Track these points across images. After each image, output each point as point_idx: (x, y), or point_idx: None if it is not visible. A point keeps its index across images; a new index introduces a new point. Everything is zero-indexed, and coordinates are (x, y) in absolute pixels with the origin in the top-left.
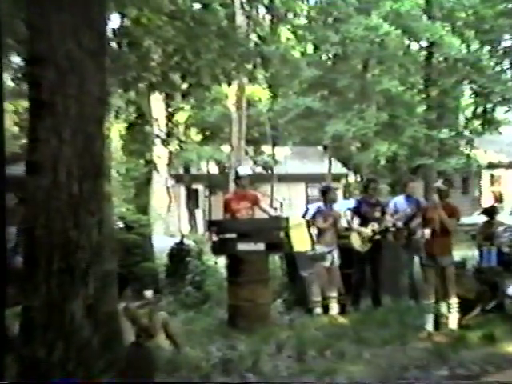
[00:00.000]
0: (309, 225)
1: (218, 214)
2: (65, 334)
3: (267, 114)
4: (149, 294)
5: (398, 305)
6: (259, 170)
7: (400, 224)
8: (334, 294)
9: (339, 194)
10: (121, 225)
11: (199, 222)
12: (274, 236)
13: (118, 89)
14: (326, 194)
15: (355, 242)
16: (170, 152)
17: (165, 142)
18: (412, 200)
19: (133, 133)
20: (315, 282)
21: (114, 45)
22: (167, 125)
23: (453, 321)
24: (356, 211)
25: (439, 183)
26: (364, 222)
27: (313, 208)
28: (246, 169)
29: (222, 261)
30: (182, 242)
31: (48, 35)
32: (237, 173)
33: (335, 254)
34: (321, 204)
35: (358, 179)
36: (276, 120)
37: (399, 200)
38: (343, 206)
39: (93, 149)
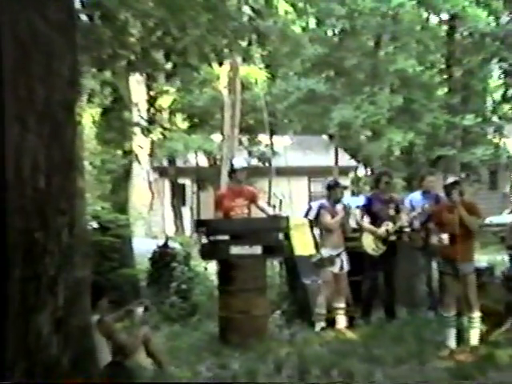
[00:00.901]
0: (312, 225)
1: (208, 213)
2: (30, 352)
3: (264, 98)
4: (139, 311)
5: (414, 317)
6: (255, 162)
7: (417, 224)
8: (342, 304)
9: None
10: (95, 225)
11: (186, 221)
12: (273, 238)
13: (91, 68)
14: (332, 191)
15: (367, 244)
16: (153, 141)
17: (146, 130)
18: (430, 196)
19: (109, 119)
20: (321, 291)
21: (84, 18)
22: (149, 110)
23: (475, 336)
24: (366, 209)
25: (452, 178)
26: (376, 222)
27: (315, 206)
28: (241, 161)
29: (212, 266)
30: (166, 245)
31: (5, 3)
32: (232, 165)
33: (344, 257)
34: (324, 201)
35: (369, 173)
36: (274, 105)
37: (415, 196)
38: (352, 203)
39: (62, 138)
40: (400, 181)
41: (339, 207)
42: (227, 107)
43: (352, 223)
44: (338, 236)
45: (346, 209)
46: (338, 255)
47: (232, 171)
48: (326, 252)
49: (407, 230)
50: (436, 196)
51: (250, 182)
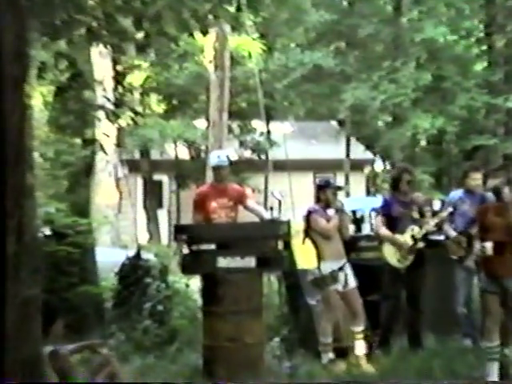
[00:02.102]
0: (307, 231)
1: (190, 217)
2: None
3: (259, 75)
4: (104, 351)
5: (446, 347)
6: (248, 154)
7: (450, 230)
8: (360, 327)
9: (360, 187)
10: (48, 232)
11: (163, 227)
12: (270, 247)
13: (42, 37)
14: (322, 192)
15: (390, 254)
16: (121, 128)
17: (113, 115)
18: (475, 197)
19: (65, 100)
20: (323, 316)
21: None
22: (116, 90)
23: None
24: (385, 212)
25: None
26: (396, 228)
27: (304, 211)
28: (221, 156)
29: (195, 283)
30: (138, 256)
31: None
32: (210, 161)
33: (348, 270)
34: (313, 205)
35: (388, 167)
36: (272, 84)
37: (455, 197)
38: (367, 204)
39: (6, 123)
40: (427, 177)
41: (331, 212)
42: (214, 86)
43: (352, 226)
44: (338, 244)
45: (341, 207)
46: (341, 268)
47: (213, 168)
48: (326, 266)
49: (440, 237)
50: (482, 197)
51: (242, 178)
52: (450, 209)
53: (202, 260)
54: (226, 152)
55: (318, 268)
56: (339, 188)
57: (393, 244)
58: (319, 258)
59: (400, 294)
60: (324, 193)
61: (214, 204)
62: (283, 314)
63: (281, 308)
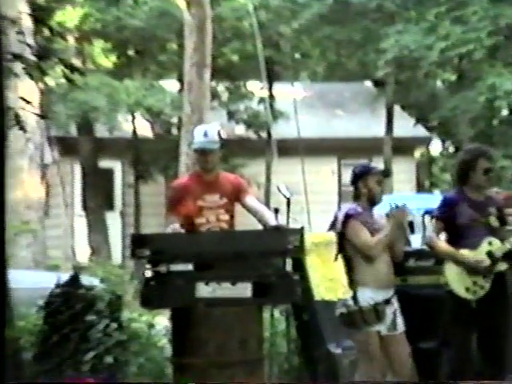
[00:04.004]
0: (342, 244)
1: (156, 222)
2: None
3: (256, 14)
4: None
5: None
6: (241, 131)
7: None
8: None
9: (408, 179)
10: None
11: (114, 237)
12: (273, 268)
13: None
14: (364, 184)
15: (454, 280)
16: (48, 91)
17: (36, 70)
18: None
19: None
20: (360, 368)
21: None
22: (39, 33)
23: None
24: (446, 217)
25: None
26: (464, 240)
27: (342, 213)
28: (211, 130)
29: (162, 321)
30: (75, 282)
31: None
32: (192, 138)
33: (396, 305)
34: (353, 205)
35: (451, 149)
36: (276, 27)
37: None
38: (418, 205)
39: None
40: (510, 164)
41: (379, 215)
42: (189, 30)
43: (416, 241)
44: (386, 264)
45: (402, 211)
46: (388, 301)
47: (195, 151)
48: (365, 296)
49: None
50: None
51: (232, 166)
52: None
53: (173, 287)
54: (215, 127)
55: (354, 298)
56: (386, 173)
57: (458, 264)
58: (355, 283)
59: (470, 339)
60: (365, 183)
61: (199, 203)
62: (293, 368)
63: (290, 358)
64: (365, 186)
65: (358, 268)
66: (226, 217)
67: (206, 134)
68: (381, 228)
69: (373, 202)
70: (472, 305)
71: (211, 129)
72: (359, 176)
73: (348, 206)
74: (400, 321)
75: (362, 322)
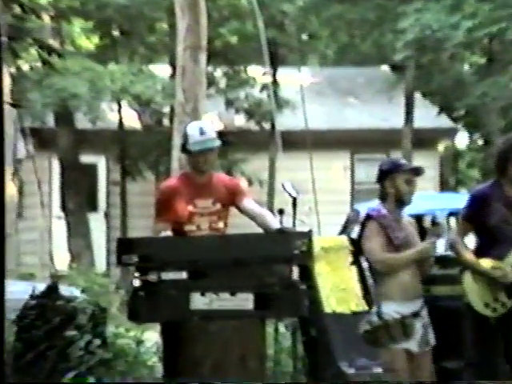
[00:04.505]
0: (357, 251)
1: (145, 224)
2: None
3: None
4: None
5: None
6: (240, 122)
7: None
8: None
9: (431, 175)
10: None
11: (98, 242)
12: (278, 277)
13: None
14: (391, 183)
15: (474, 293)
16: (22, 75)
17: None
18: None
19: None
20: None
21: None
22: (9, 9)
23: None
24: (474, 218)
25: None
26: (494, 248)
27: (363, 213)
28: (208, 128)
29: (152, 337)
30: (52, 293)
31: None
32: (186, 138)
33: (426, 317)
34: (377, 205)
35: (480, 142)
36: (277, 4)
37: None
38: (442, 205)
39: None
40: None
41: (408, 220)
42: (181, 8)
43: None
44: (411, 273)
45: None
46: (417, 314)
47: (187, 152)
48: (390, 309)
49: None
50: None
51: (231, 162)
52: None
53: (165, 298)
54: (209, 122)
55: (378, 312)
56: (418, 171)
57: (479, 275)
58: (377, 295)
59: (496, 360)
60: (392, 182)
61: (190, 208)
62: None
63: (296, 378)
64: (392, 186)
65: (380, 278)
66: (220, 224)
67: (202, 132)
68: (407, 236)
69: (401, 203)
70: (491, 322)
71: (206, 125)
72: (386, 173)
73: (373, 206)
74: (432, 335)
75: (388, 339)
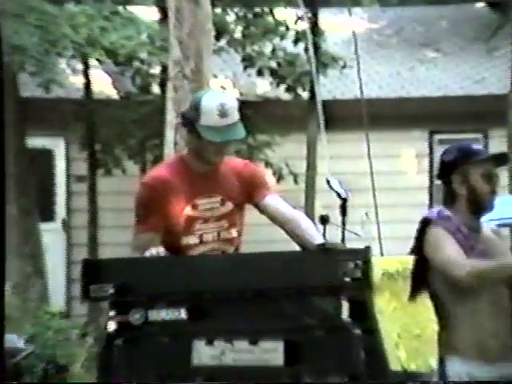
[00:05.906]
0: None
1: (123, 239)
2: None
3: None
4: None
5: None
6: (266, 87)
7: None
8: None
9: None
10: None
11: (54, 265)
12: (319, 317)
13: None
14: (457, 179)
15: None
16: None
17: None
18: None
19: None
20: None
21: None
22: None
23: None
24: None
25: None
26: None
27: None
28: (230, 103)
29: None
30: None
31: None
32: (197, 113)
33: None
34: (443, 209)
35: None
36: None
37: None
38: None
39: None
40: None
41: (489, 232)
42: None
43: None
44: (499, 313)
45: None
46: None
47: (194, 131)
48: (454, 369)
49: None
50: None
51: (251, 147)
52: None
53: (154, 350)
54: (235, 100)
55: (440, 371)
56: (502, 160)
57: None
58: (443, 343)
59: None
60: (463, 178)
61: (188, 210)
62: None
63: None
64: (463, 183)
65: (450, 315)
66: (232, 233)
67: (224, 113)
68: (487, 252)
69: (477, 208)
70: None
71: (229, 101)
72: (453, 166)
73: (433, 210)
74: None
75: None
